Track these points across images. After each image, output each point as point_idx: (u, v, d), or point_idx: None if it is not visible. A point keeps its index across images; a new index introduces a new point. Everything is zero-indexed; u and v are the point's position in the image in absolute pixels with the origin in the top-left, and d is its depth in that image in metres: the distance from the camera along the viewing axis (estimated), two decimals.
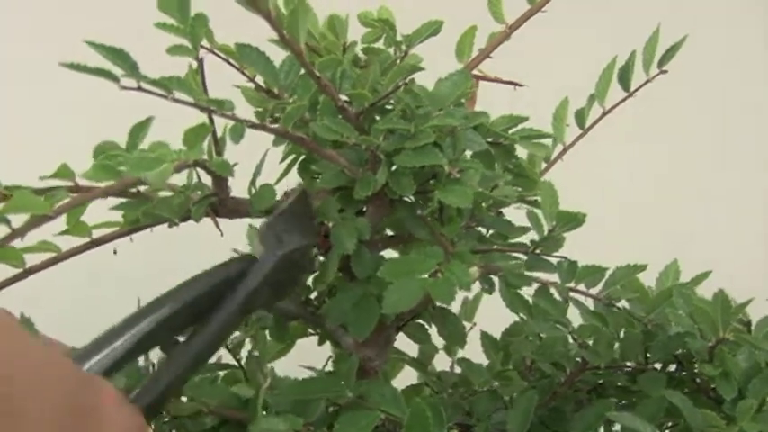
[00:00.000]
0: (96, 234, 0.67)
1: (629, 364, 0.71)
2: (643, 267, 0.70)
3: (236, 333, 0.74)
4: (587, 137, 0.79)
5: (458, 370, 0.83)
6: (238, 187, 0.68)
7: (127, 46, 0.55)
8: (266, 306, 0.65)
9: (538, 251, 0.67)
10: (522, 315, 0.75)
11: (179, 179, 0.63)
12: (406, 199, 0.66)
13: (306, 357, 0.81)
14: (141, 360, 0.70)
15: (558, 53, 1.32)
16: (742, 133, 1.51)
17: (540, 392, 0.69)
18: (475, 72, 0.74)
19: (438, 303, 0.72)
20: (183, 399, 0.66)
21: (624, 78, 0.78)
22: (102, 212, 0.66)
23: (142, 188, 0.64)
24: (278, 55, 0.65)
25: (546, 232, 0.67)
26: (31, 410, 0.36)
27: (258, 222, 0.65)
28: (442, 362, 0.86)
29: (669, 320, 0.69)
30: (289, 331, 0.77)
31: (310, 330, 0.80)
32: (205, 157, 0.61)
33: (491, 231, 0.72)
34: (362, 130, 0.64)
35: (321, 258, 0.75)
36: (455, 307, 0.75)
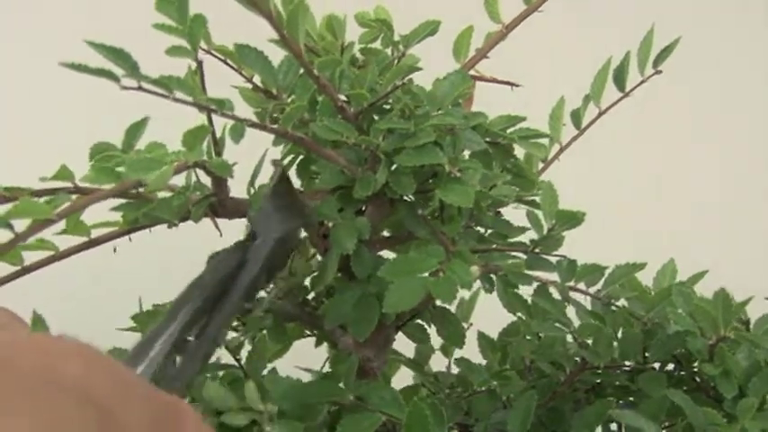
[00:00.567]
0: (95, 233, 0.67)
1: (627, 363, 0.71)
2: (642, 266, 0.70)
3: (235, 334, 0.73)
4: (584, 137, 0.79)
5: (455, 370, 0.83)
6: (238, 187, 0.68)
7: (126, 46, 0.55)
8: (260, 290, 0.65)
9: (537, 250, 0.68)
10: (520, 315, 0.75)
11: (178, 179, 0.63)
12: (405, 198, 0.66)
13: (301, 358, 0.81)
14: None
15: (555, 53, 1.32)
16: (740, 132, 1.51)
17: (540, 392, 0.69)
18: (472, 72, 0.75)
19: (438, 303, 0.72)
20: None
21: (619, 79, 0.78)
22: (100, 212, 0.65)
23: (141, 189, 0.64)
24: (275, 55, 0.65)
25: (545, 231, 0.67)
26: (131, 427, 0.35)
27: None
28: (437, 362, 0.86)
29: (668, 319, 0.69)
30: (287, 332, 0.77)
31: (307, 331, 0.79)
32: (204, 157, 0.61)
33: (489, 231, 0.72)
34: (361, 129, 0.64)
35: (319, 258, 0.76)
36: (452, 307, 0.75)
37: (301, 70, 0.64)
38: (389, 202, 0.67)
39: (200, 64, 0.62)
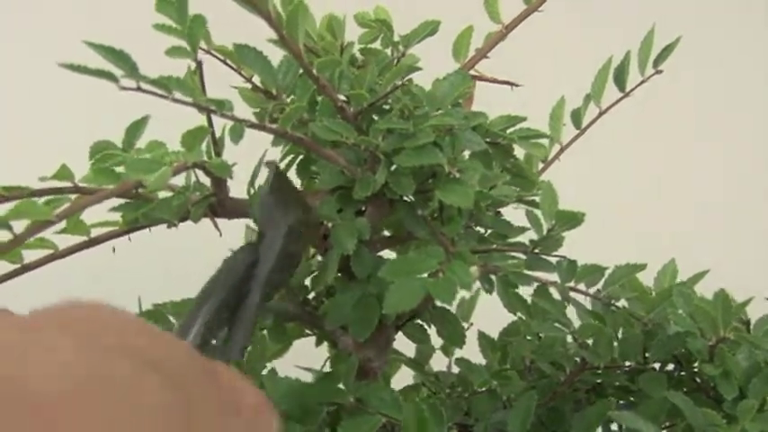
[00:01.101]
0: (94, 232, 0.67)
1: (627, 363, 0.71)
2: (642, 267, 0.70)
3: None
4: (585, 137, 0.79)
5: (455, 370, 0.83)
6: (237, 188, 0.68)
7: (125, 46, 0.55)
8: (282, 285, 0.64)
9: (537, 251, 0.67)
10: (520, 315, 0.75)
11: (178, 179, 0.63)
12: (405, 199, 0.66)
13: (302, 358, 0.81)
14: None
15: (555, 53, 1.32)
16: (742, 132, 1.51)
17: (540, 392, 0.69)
18: (472, 72, 0.74)
19: (438, 303, 0.72)
20: None
21: (619, 78, 0.78)
22: (100, 212, 0.65)
23: (141, 189, 0.64)
24: (273, 55, 0.65)
25: (545, 232, 0.67)
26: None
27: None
28: (437, 362, 0.86)
29: (668, 320, 0.69)
30: (287, 332, 0.77)
31: (307, 331, 0.79)
32: (204, 158, 0.61)
33: (488, 231, 0.72)
34: (360, 130, 0.64)
35: (319, 258, 0.76)
36: (452, 307, 0.75)
37: (301, 70, 0.64)
38: (389, 202, 0.67)
39: (199, 64, 0.62)
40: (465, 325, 0.78)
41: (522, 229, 0.71)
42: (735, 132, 1.51)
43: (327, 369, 0.80)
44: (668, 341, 0.68)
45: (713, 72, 1.47)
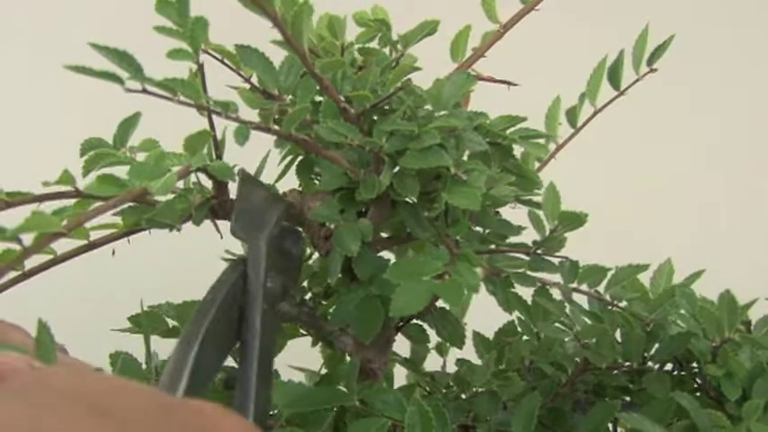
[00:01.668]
0: (93, 235, 0.66)
1: (626, 364, 0.71)
2: (645, 267, 0.70)
3: None
4: (582, 136, 0.79)
5: (449, 369, 0.83)
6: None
7: (124, 45, 0.54)
8: (286, 289, 0.64)
9: (540, 251, 0.67)
10: (519, 315, 0.75)
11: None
12: (408, 200, 0.65)
13: (292, 357, 0.80)
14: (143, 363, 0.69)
15: (552, 52, 1.32)
16: (741, 133, 1.52)
17: (542, 393, 0.68)
18: (469, 71, 0.74)
19: (438, 304, 0.72)
20: None
21: (614, 77, 0.78)
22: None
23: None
24: (270, 53, 0.64)
25: (548, 232, 0.67)
26: None
27: None
28: (430, 362, 0.86)
29: (669, 321, 0.70)
30: (284, 332, 0.76)
31: (302, 331, 0.79)
32: (206, 161, 0.60)
33: (487, 231, 0.72)
34: (362, 131, 0.64)
35: (315, 257, 0.75)
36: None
37: (302, 71, 0.64)
38: (391, 203, 0.67)
39: (200, 66, 0.61)
40: None
41: (520, 228, 0.71)
42: (735, 133, 1.51)
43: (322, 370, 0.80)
44: (671, 342, 0.68)
45: (712, 71, 1.47)
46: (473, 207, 0.59)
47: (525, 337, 0.78)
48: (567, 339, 0.74)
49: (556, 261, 0.68)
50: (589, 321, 0.71)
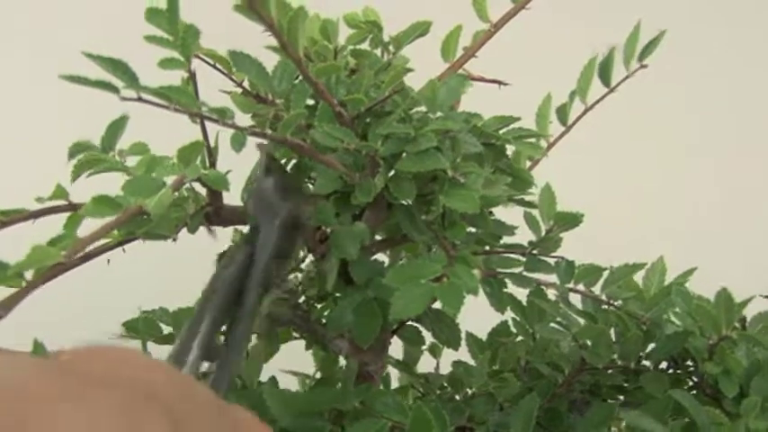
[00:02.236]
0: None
1: (620, 363, 0.72)
2: (641, 266, 0.70)
3: None
4: (571, 134, 0.79)
5: (442, 370, 0.83)
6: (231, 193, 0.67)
7: (120, 53, 0.54)
8: (271, 286, 0.64)
9: (535, 252, 0.67)
10: (514, 315, 0.75)
11: None
12: (404, 203, 0.65)
13: (283, 361, 0.80)
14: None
15: (543, 51, 1.32)
16: (733, 130, 1.52)
17: (540, 394, 0.68)
18: (460, 71, 0.74)
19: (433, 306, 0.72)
20: None
21: (604, 74, 0.78)
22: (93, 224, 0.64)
23: None
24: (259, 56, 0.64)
25: (543, 233, 0.67)
26: None
27: None
28: (423, 364, 0.86)
29: (665, 319, 0.70)
30: (278, 336, 0.76)
31: (296, 334, 0.79)
32: (201, 170, 0.60)
33: (480, 231, 0.72)
34: (357, 134, 0.64)
35: (309, 260, 0.75)
36: None
37: (296, 75, 0.64)
38: (387, 206, 0.66)
39: (193, 74, 0.61)
40: None
41: (513, 228, 0.70)
42: (733, 132, 1.52)
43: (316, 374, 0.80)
44: (667, 340, 0.69)
45: (705, 68, 1.48)
46: (471, 210, 0.59)
47: (520, 338, 0.78)
48: (562, 339, 0.74)
49: (551, 261, 0.68)
50: (583, 321, 0.71)
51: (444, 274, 0.60)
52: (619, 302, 0.70)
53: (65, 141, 0.64)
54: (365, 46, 0.73)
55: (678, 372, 0.72)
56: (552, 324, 0.71)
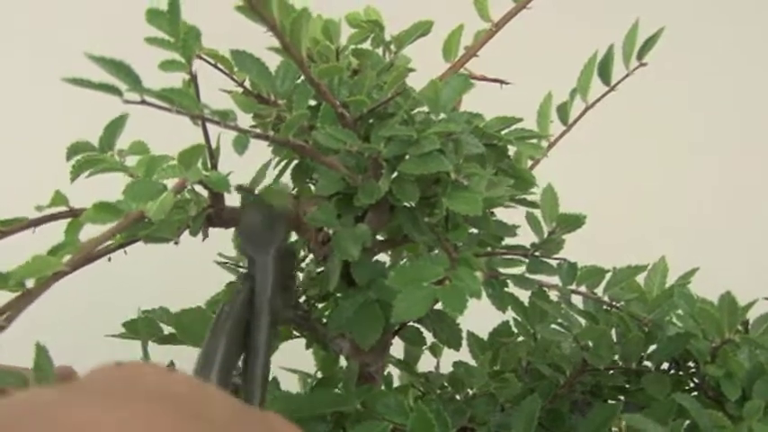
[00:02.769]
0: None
1: (622, 364, 0.71)
2: (643, 268, 0.70)
3: None
4: (574, 134, 0.79)
5: (443, 370, 0.83)
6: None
7: (121, 54, 0.53)
8: (286, 304, 0.65)
9: (538, 254, 0.67)
10: (515, 315, 0.75)
11: None
12: (407, 205, 0.65)
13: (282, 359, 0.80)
14: None
15: (544, 50, 1.32)
16: (735, 129, 1.52)
17: (541, 395, 0.68)
18: (462, 71, 0.74)
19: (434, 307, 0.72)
20: None
21: (604, 72, 0.78)
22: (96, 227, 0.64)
23: None
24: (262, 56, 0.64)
25: (546, 234, 0.67)
26: None
27: None
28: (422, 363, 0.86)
29: (667, 321, 0.70)
30: (277, 334, 0.76)
31: (296, 333, 0.79)
32: (202, 173, 0.59)
33: (481, 232, 0.72)
34: (360, 135, 0.63)
35: (309, 260, 0.75)
36: None
37: (299, 75, 0.63)
38: (389, 208, 0.66)
39: (194, 77, 0.61)
40: None
41: (514, 229, 0.70)
42: (734, 132, 1.52)
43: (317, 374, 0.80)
44: (669, 342, 0.69)
45: (706, 67, 1.48)
46: (474, 212, 0.59)
47: (521, 338, 0.78)
48: (563, 340, 0.74)
49: (554, 263, 0.68)
50: (584, 322, 0.71)
51: (447, 277, 0.60)
52: (621, 304, 0.70)
53: (65, 142, 0.64)
54: (367, 45, 0.73)
55: (680, 374, 0.72)
56: (554, 325, 0.71)
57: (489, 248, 0.69)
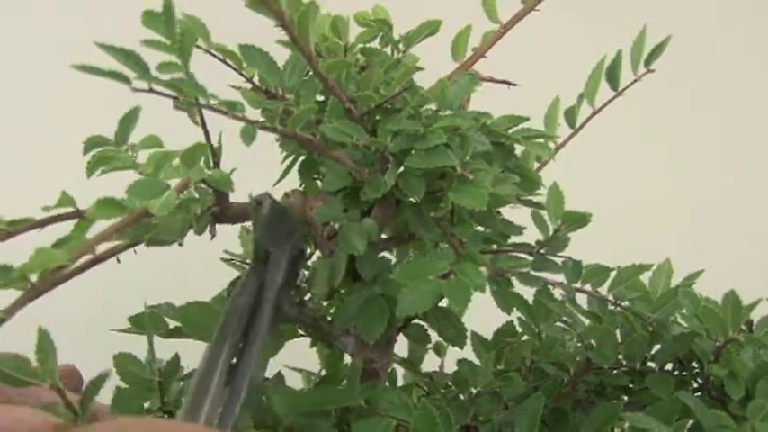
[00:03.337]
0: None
1: (626, 363, 0.71)
2: (648, 267, 0.70)
3: None
4: (582, 137, 0.79)
5: (447, 369, 0.83)
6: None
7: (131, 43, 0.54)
8: (287, 299, 0.65)
9: (543, 251, 0.67)
10: (520, 315, 0.75)
11: None
12: (412, 200, 0.65)
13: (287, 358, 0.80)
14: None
15: (553, 52, 1.32)
16: (741, 133, 1.52)
17: (545, 393, 0.68)
18: (471, 72, 0.74)
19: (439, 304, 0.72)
20: None
21: (612, 78, 0.78)
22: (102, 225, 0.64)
23: None
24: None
25: (551, 232, 0.67)
26: None
27: None
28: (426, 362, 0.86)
29: (671, 320, 0.70)
30: (283, 334, 0.76)
31: (301, 331, 0.79)
32: (205, 172, 0.60)
33: (487, 230, 0.72)
34: (367, 131, 0.64)
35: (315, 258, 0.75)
36: None
37: (306, 70, 0.64)
38: (395, 203, 0.66)
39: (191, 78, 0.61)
40: None
41: (520, 228, 0.70)
42: (736, 132, 1.52)
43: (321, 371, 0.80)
44: (674, 342, 0.68)
45: (712, 71, 1.48)
46: (479, 207, 0.59)
47: (525, 337, 0.78)
48: (567, 339, 0.74)
49: (559, 261, 0.68)
50: (587, 321, 0.71)
51: (452, 271, 0.60)
52: (626, 303, 0.70)
53: (65, 142, 0.64)
54: (375, 44, 0.73)
55: (684, 373, 0.72)
56: (558, 324, 0.71)
57: (495, 246, 0.69)
